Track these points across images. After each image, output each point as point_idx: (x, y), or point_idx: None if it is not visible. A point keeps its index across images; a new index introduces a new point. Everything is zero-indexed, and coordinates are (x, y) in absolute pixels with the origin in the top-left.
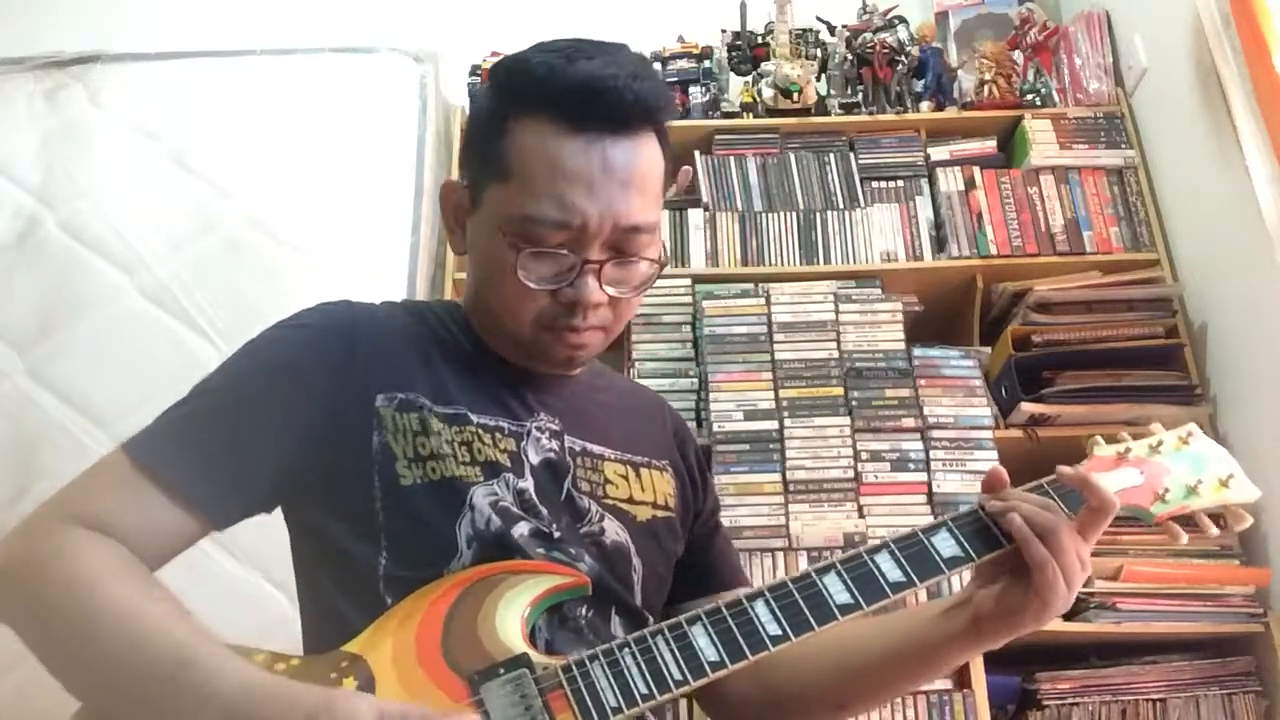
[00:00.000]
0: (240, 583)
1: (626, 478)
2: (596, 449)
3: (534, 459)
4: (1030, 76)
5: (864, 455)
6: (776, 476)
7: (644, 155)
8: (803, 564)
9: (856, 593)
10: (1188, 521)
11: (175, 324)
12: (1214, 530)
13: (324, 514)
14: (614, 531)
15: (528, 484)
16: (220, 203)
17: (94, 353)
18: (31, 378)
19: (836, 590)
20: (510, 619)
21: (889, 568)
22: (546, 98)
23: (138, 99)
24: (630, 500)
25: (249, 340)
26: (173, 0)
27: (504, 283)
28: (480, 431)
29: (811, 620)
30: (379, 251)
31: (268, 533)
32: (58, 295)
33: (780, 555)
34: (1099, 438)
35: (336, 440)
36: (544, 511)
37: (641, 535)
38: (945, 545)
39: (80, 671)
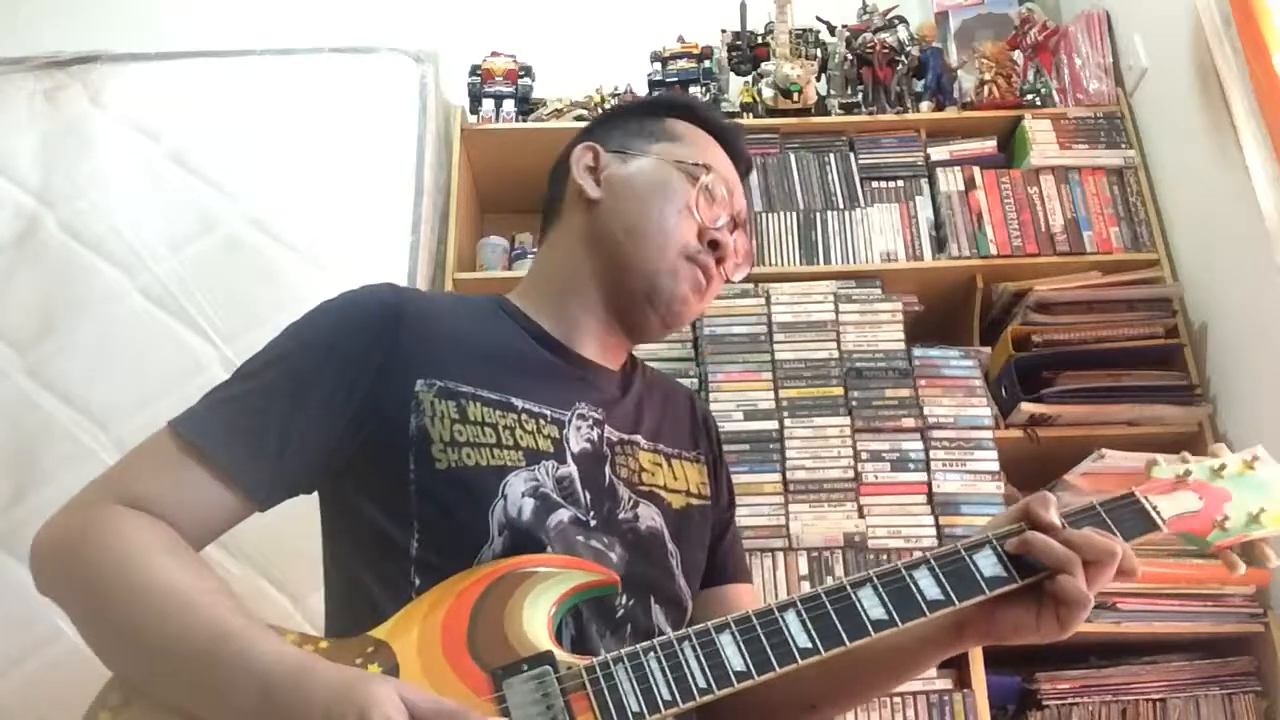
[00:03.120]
0: (240, 582)
1: (660, 465)
2: (632, 438)
3: (575, 447)
4: (1030, 76)
5: (864, 455)
6: (776, 476)
7: None
8: (803, 564)
9: (892, 609)
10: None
11: (175, 324)
12: (1274, 562)
13: (359, 494)
14: (649, 518)
15: (570, 470)
16: (220, 203)
17: (94, 353)
18: (31, 378)
19: (871, 605)
20: (537, 615)
21: (927, 585)
22: (707, 120)
23: (138, 99)
24: (665, 488)
25: (294, 321)
26: (173, 0)
27: (670, 205)
28: (524, 417)
29: (844, 634)
30: (379, 251)
31: (267, 532)
32: (58, 295)
33: (780, 555)
34: (1159, 459)
35: (375, 420)
36: (584, 498)
37: (676, 521)
38: (988, 564)
39: (123, 644)
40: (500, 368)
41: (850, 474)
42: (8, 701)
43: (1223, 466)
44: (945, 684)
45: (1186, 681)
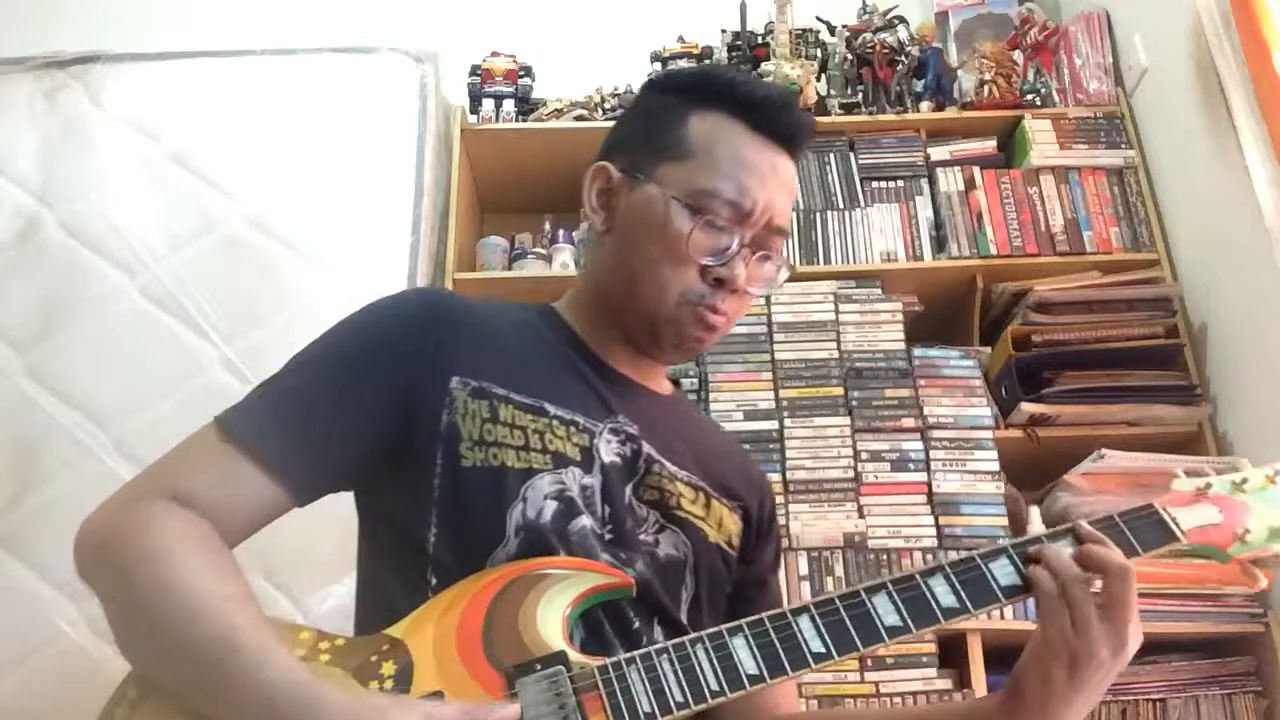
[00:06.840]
0: None
1: (696, 501)
2: (671, 465)
3: (605, 457)
4: (1030, 76)
5: (864, 455)
6: (777, 476)
7: (794, 173)
8: (803, 564)
9: (906, 615)
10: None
11: (175, 324)
12: None
13: (386, 486)
14: (671, 546)
15: (594, 480)
16: (220, 203)
17: (94, 353)
18: (31, 378)
19: (885, 611)
20: (552, 616)
21: (942, 592)
22: (733, 98)
23: (138, 99)
24: (703, 519)
25: (342, 319)
26: (173, 0)
27: (666, 250)
28: (555, 423)
29: (857, 640)
30: (379, 251)
31: (268, 532)
32: (58, 295)
33: (780, 555)
34: (1180, 471)
35: (411, 415)
36: (603, 511)
37: (706, 553)
38: (1004, 573)
39: (143, 640)
40: (536, 374)
41: (850, 474)
42: (8, 702)
43: (1244, 480)
44: (945, 684)
45: (1186, 681)
